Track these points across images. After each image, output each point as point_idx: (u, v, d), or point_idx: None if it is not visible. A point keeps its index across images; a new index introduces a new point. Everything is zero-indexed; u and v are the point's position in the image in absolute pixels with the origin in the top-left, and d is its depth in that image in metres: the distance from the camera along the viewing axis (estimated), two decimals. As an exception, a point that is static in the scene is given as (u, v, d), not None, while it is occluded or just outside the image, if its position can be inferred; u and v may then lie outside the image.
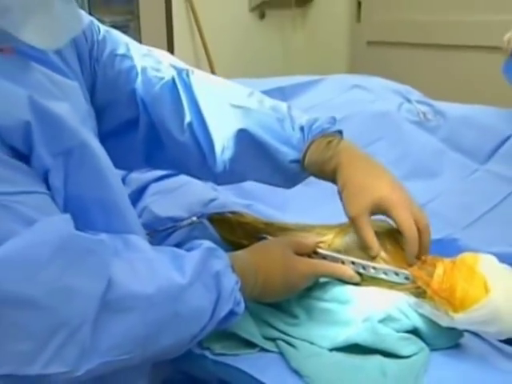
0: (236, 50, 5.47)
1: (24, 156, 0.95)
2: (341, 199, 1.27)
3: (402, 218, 1.20)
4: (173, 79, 1.36)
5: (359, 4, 5.54)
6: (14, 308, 0.88)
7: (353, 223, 1.24)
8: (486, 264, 1.13)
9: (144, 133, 1.37)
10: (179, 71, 1.38)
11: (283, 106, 1.38)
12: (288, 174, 1.36)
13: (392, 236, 1.26)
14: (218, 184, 1.49)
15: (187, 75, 1.38)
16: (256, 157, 1.35)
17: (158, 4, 5.15)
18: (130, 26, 5.12)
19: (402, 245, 1.23)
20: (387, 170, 1.29)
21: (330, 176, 1.29)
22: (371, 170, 1.28)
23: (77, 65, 1.21)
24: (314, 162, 1.30)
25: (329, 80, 2.46)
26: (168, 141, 1.37)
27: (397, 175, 1.48)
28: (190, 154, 1.38)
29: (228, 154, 1.34)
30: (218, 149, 1.35)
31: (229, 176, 1.41)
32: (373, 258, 1.21)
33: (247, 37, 5.61)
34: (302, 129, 1.32)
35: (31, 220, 0.91)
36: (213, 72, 5.25)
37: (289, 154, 1.31)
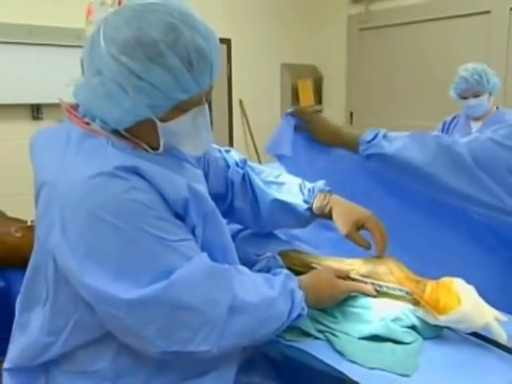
0: (272, 143, 5.49)
1: (181, 217, 1.02)
2: (336, 226, 1.36)
3: (371, 226, 1.32)
4: (243, 172, 1.42)
5: (351, 114, 5.59)
6: (182, 310, 0.94)
7: (348, 237, 1.34)
8: (458, 285, 1.16)
9: (228, 203, 1.42)
10: (244, 165, 1.44)
11: (299, 179, 1.47)
12: (302, 220, 1.44)
13: (395, 263, 1.29)
14: (261, 231, 1.52)
15: (246, 166, 1.45)
16: (284, 213, 1.41)
17: (223, 112, 5.25)
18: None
19: (403, 269, 1.27)
20: (359, 205, 1.39)
21: (328, 214, 1.39)
22: (350, 206, 1.38)
23: (195, 161, 1.25)
24: (318, 207, 1.39)
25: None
26: (237, 207, 1.42)
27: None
28: (246, 214, 1.44)
29: (267, 214, 1.41)
30: (262, 211, 1.41)
31: (267, 226, 1.48)
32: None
33: (279, 134, 5.63)
34: (309, 190, 1.42)
35: (189, 257, 0.98)
36: (258, 157, 5.31)
37: (304, 205, 1.40)
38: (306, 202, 1.40)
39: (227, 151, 1.46)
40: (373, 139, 1.50)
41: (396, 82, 5.11)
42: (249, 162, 1.47)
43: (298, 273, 1.26)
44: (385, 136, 1.49)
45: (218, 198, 1.37)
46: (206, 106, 1.08)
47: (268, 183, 1.43)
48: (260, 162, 5.23)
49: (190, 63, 0.95)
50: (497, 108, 3.09)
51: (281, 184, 1.44)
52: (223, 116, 5.26)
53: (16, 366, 1.10)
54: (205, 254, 1.02)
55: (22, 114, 3.81)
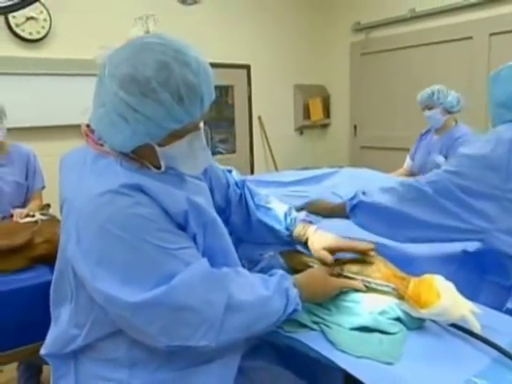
0: (287, 153, 5.44)
1: (182, 227, 0.98)
2: (311, 251, 1.29)
3: (341, 246, 1.25)
4: (241, 192, 1.38)
5: (355, 126, 5.52)
6: (182, 311, 0.91)
7: (319, 256, 1.26)
8: (438, 281, 1.10)
9: (226, 216, 1.37)
10: (243, 186, 1.39)
11: (286, 207, 1.40)
12: (284, 242, 1.37)
13: (383, 262, 1.23)
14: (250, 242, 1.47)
15: (245, 187, 1.39)
16: (268, 234, 1.36)
17: (244, 127, 5.24)
18: (229, 140, 5.20)
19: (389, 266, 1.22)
20: (330, 234, 1.31)
21: (305, 242, 1.32)
22: (324, 236, 1.30)
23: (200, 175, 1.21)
24: (297, 236, 1.33)
25: (343, 171, 2.42)
26: (233, 221, 1.37)
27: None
28: (240, 228, 1.38)
29: (255, 231, 1.37)
30: (252, 228, 1.36)
31: (257, 240, 1.41)
32: (343, 264, 1.24)
33: (293, 145, 5.59)
34: (292, 219, 1.35)
35: (188, 262, 0.94)
36: (275, 165, 5.29)
37: (285, 233, 1.34)
38: (287, 229, 1.35)
39: (229, 171, 1.42)
40: (354, 197, 1.52)
41: (392, 99, 5.05)
42: (248, 183, 1.42)
43: (297, 271, 1.22)
44: (363, 193, 1.52)
45: (219, 210, 1.34)
46: (202, 130, 1.04)
47: (258, 206, 1.38)
48: (277, 169, 5.22)
49: (180, 97, 0.92)
50: (456, 123, 3.15)
51: (269, 209, 1.37)
52: (245, 130, 5.25)
53: (50, 352, 1.09)
54: (204, 260, 0.98)
55: (77, 133, 3.83)
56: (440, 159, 3.04)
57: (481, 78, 4.25)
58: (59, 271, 1.07)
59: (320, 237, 1.30)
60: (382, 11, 4.96)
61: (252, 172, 5.19)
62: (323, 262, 1.24)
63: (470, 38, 4.28)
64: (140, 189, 0.93)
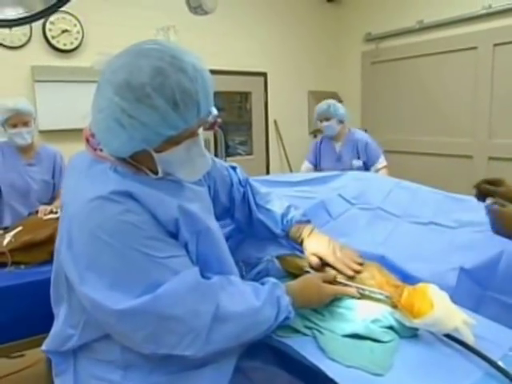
0: (301, 155, 5.31)
1: (174, 235, 0.91)
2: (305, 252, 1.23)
3: (330, 260, 1.16)
4: (244, 190, 1.31)
5: (365, 131, 5.27)
6: (167, 320, 0.84)
7: (309, 258, 1.20)
8: (433, 291, 1.00)
9: (231, 214, 1.32)
10: (246, 184, 1.32)
11: (286, 204, 1.33)
12: (282, 239, 1.33)
13: (378, 269, 1.14)
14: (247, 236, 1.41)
15: (247, 185, 1.33)
16: (267, 232, 1.30)
17: (261, 131, 5.16)
18: (248, 141, 5.15)
19: (384, 274, 1.12)
20: (325, 237, 1.24)
21: (300, 244, 1.26)
22: (318, 239, 1.23)
23: (202, 178, 1.13)
24: (292, 236, 1.27)
25: (348, 173, 2.30)
26: (236, 218, 1.32)
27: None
28: (243, 224, 1.33)
29: (256, 228, 1.31)
30: (253, 225, 1.31)
31: (258, 236, 1.35)
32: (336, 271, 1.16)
33: (307, 148, 5.41)
34: (287, 221, 1.28)
35: (177, 271, 0.86)
36: (289, 166, 5.20)
37: (281, 233, 1.29)
38: (283, 230, 1.28)
39: (234, 168, 1.34)
40: None
41: (401, 105, 4.96)
42: (250, 181, 1.34)
43: (294, 275, 1.15)
44: None
45: (224, 209, 1.27)
46: (200, 136, 0.95)
47: (258, 206, 1.31)
48: (291, 170, 5.13)
49: (175, 103, 0.84)
50: (349, 130, 3.33)
51: (267, 210, 1.30)
52: (261, 134, 5.18)
53: (50, 348, 1.03)
54: (195, 269, 0.90)
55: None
56: (358, 163, 3.22)
57: (485, 85, 4.19)
58: (55, 273, 1.01)
59: (314, 239, 1.22)
60: (391, 22, 4.88)
61: (268, 173, 5.12)
62: (311, 266, 1.17)
63: (475, 48, 4.20)
64: (130, 196, 0.86)
